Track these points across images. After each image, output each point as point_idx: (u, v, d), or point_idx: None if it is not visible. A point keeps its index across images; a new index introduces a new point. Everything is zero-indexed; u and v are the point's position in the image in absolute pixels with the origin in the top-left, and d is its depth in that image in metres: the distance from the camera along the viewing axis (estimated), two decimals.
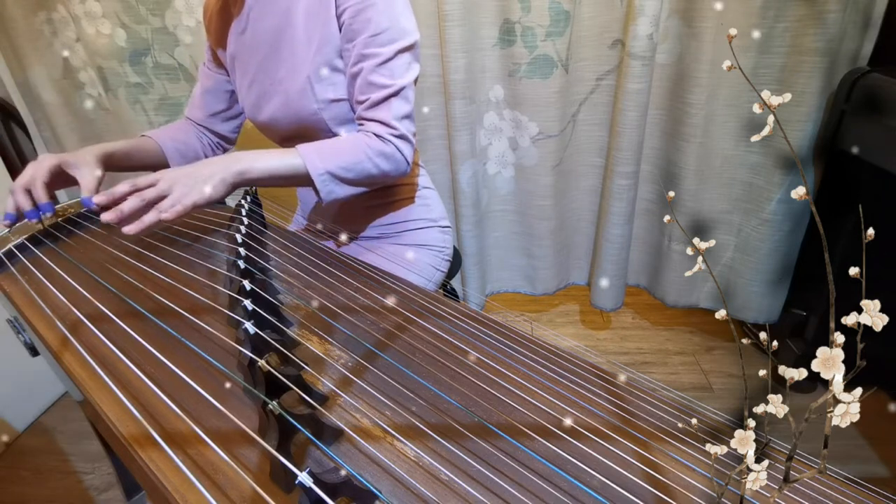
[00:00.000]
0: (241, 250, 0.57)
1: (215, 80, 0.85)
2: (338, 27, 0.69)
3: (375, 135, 0.68)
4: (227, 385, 0.44)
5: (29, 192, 0.63)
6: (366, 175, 0.68)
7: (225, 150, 0.93)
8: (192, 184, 0.58)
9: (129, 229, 0.55)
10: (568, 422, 0.41)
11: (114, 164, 0.72)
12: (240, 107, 0.88)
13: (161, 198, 0.57)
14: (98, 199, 0.57)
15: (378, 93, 0.68)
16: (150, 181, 0.57)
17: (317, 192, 0.66)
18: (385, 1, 0.66)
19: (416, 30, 0.70)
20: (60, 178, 0.66)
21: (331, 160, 0.66)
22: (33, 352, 0.63)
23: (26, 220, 0.64)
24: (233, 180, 0.61)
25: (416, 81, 0.72)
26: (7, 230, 0.73)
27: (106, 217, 0.54)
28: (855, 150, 1.01)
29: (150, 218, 0.55)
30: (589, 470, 0.37)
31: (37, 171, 0.63)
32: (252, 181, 0.64)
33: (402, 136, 0.69)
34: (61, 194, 1.54)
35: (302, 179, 0.66)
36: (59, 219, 0.76)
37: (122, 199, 0.56)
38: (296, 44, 0.71)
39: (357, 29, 0.67)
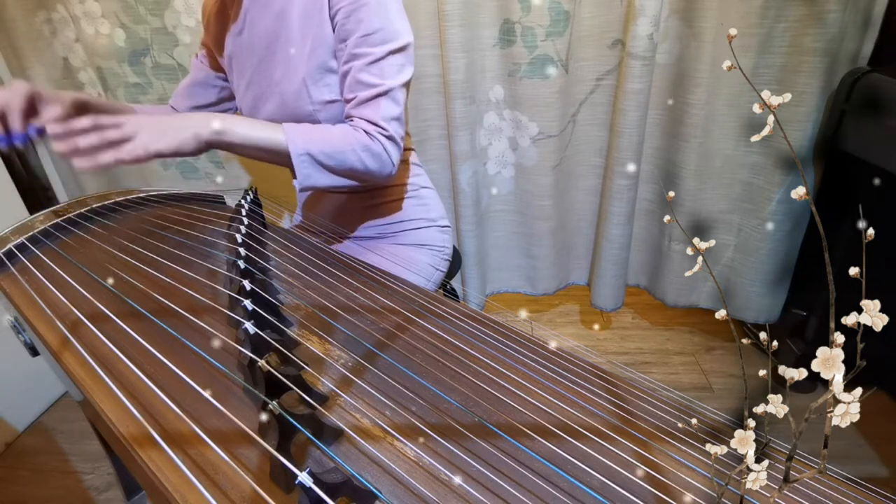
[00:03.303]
0: (241, 250, 0.57)
1: (206, 74, 0.85)
2: (332, 28, 0.69)
3: (364, 131, 0.68)
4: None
5: (2, 119, 0.60)
6: (348, 167, 0.67)
7: None
8: (161, 131, 0.56)
9: (80, 163, 0.52)
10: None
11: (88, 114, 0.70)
12: (229, 104, 0.88)
13: (124, 140, 0.54)
14: (53, 128, 0.53)
15: (366, 91, 0.67)
16: (115, 121, 0.54)
17: (294, 173, 0.65)
18: (378, 2, 0.65)
19: (410, 32, 0.69)
20: (33, 110, 0.63)
21: (314, 143, 0.64)
22: (33, 352, 0.63)
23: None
24: (207, 138, 0.59)
25: (409, 84, 0.71)
26: (13, 224, 0.72)
27: (57, 147, 0.51)
28: (850, 149, 1.01)
29: (106, 157, 0.52)
30: (589, 470, 0.37)
31: (12, 99, 0.60)
32: (228, 144, 0.62)
33: (389, 137, 0.68)
34: (62, 194, 1.54)
35: (281, 157, 0.64)
36: (60, 219, 0.76)
37: (81, 133, 0.53)
38: (291, 45, 0.71)
39: (349, 29, 0.67)
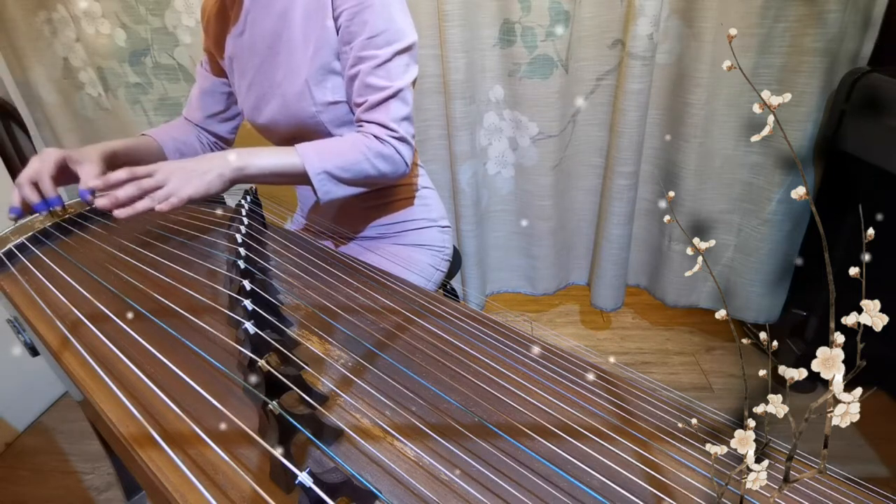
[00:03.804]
0: (241, 250, 0.57)
1: (212, 82, 0.85)
2: (335, 29, 0.69)
3: (374, 136, 0.68)
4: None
5: (35, 186, 0.63)
6: (364, 176, 0.68)
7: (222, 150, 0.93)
8: (188, 177, 0.58)
9: (119, 213, 0.55)
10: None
11: (117, 163, 0.71)
12: (237, 108, 0.88)
13: (157, 188, 0.57)
14: (93, 183, 0.57)
15: (375, 95, 0.68)
16: (147, 171, 0.58)
17: (314, 191, 0.67)
18: (382, 3, 0.66)
19: (414, 31, 0.70)
20: (64, 174, 0.66)
21: (329, 160, 0.66)
22: (33, 352, 0.63)
23: (35, 213, 0.64)
24: (231, 176, 0.62)
25: (414, 83, 0.72)
26: (13, 224, 0.72)
27: (100, 202, 0.55)
28: (850, 149, 1.01)
29: (143, 205, 0.56)
30: (589, 470, 0.37)
31: (43, 165, 0.63)
32: (250, 178, 0.64)
33: (400, 138, 0.69)
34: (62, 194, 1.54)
35: (300, 178, 0.66)
36: (60, 219, 0.76)
37: (118, 185, 0.57)
38: (293, 46, 0.71)
39: (354, 31, 0.67)
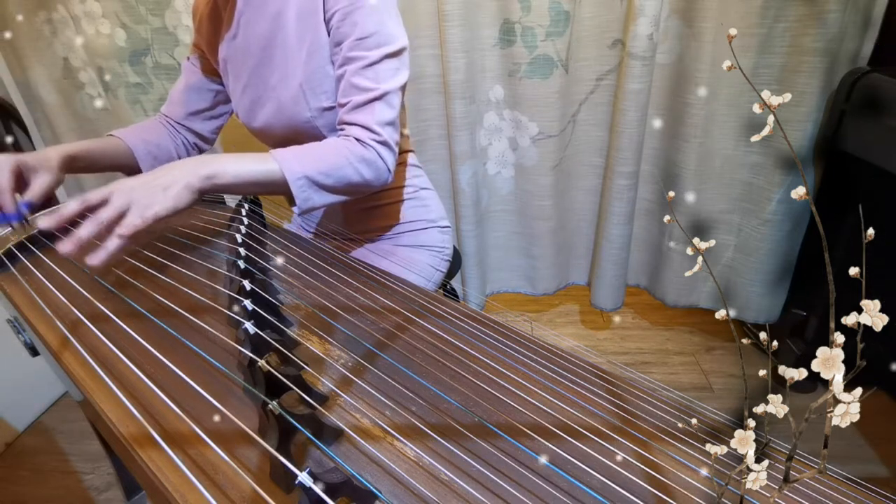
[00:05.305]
0: (241, 250, 0.57)
1: (200, 78, 0.83)
2: (327, 32, 0.68)
3: (356, 139, 0.65)
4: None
5: None
6: (346, 182, 0.65)
7: (201, 152, 0.89)
8: (151, 194, 0.52)
9: (93, 261, 0.48)
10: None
11: (77, 168, 0.68)
12: (224, 107, 0.87)
13: (119, 216, 0.50)
14: (46, 222, 0.50)
15: (360, 95, 0.66)
16: (102, 196, 0.51)
17: (292, 200, 0.62)
18: (373, 5, 0.64)
19: (405, 37, 0.68)
20: (21, 181, 0.62)
21: (309, 164, 0.61)
22: (33, 352, 0.63)
23: None
24: (199, 185, 0.55)
25: (404, 89, 0.70)
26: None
27: (63, 249, 0.48)
28: (850, 149, 1.01)
29: (113, 244, 0.49)
30: (589, 470, 0.37)
31: None
32: (222, 187, 0.58)
33: (383, 143, 0.66)
34: (62, 195, 1.54)
35: (278, 186, 0.61)
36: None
37: (74, 219, 0.50)
38: (287, 50, 0.70)
39: (344, 32, 0.66)
